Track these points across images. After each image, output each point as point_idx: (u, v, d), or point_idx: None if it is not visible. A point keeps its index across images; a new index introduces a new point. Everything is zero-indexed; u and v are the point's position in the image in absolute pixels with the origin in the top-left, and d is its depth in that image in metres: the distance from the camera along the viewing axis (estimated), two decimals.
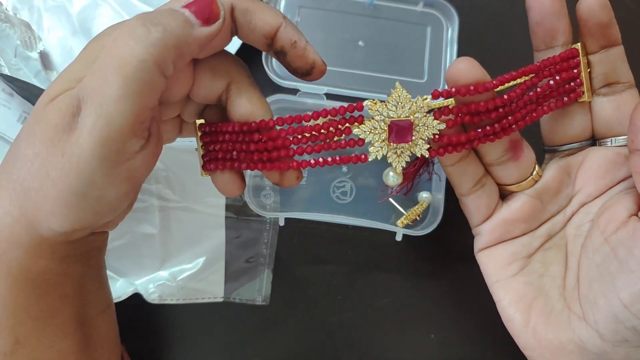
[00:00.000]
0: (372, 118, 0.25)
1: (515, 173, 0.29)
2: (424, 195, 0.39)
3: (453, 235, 0.40)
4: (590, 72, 0.28)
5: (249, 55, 0.37)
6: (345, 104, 0.24)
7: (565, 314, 0.27)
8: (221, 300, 0.40)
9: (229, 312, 0.41)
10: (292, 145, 0.25)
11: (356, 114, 0.25)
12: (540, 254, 0.29)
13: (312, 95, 0.40)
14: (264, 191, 0.40)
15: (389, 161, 0.25)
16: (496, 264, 0.29)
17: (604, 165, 0.28)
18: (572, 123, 0.28)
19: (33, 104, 0.38)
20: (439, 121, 0.25)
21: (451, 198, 0.38)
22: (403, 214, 0.38)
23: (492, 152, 0.28)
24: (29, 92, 0.37)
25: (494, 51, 0.46)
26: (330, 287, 0.41)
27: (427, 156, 0.25)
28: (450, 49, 0.41)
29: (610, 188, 0.28)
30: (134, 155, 0.22)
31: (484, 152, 0.28)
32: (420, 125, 0.25)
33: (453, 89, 0.25)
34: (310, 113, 0.24)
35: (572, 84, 0.27)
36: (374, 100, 0.25)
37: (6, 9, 0.39)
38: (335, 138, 0.25)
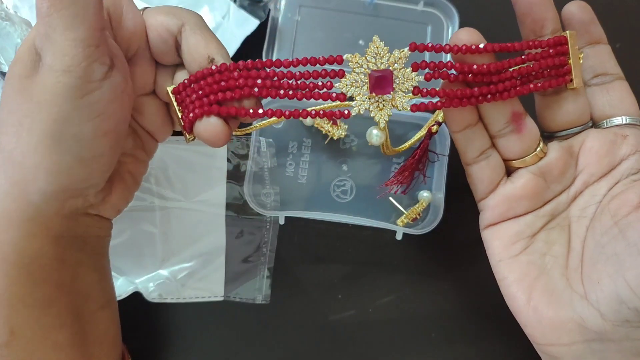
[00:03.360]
0: (353, 71, 0.25)
1: (518, 147, 0.29)
2: (424, 194, 0.39)
3: (453, 234, 0.40)
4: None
5: (249, 53, 0.37)
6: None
7: (567, 293, 0.27)
8: (221, 299, 0.40)
9: (229, 311, 0.41)
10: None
11: (337, 67, 0.25)
12: (543, 233, 0.29)
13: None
14: (264, 190, 0.40)
15: (371, 115, 0.25)
16: (500, 243, 0.30)
17: (604, 145, 0.28)
18: (567, 109, 0.29)
19: None
20: (416, 73, 0.25)
21: (451, 197, 0.38)
22: (403, 213, 0.39)
23: (495, 121, 0.28)
24: None
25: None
26: (330, 286, 0.41)
27: (407, 109, 0.25)
28: None
29: (614, 168, 0.28)
30: (100, 84, 0.23)
31: (488, 121, 0.29)
32: (399, 77, 0.25)
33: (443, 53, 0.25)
34: (290, 60, 0.25)
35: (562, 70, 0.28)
36: (353, 54, 0.25)
37: (7, 7, 0.39)
38: (316, 90, 0.25)
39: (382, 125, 0.26)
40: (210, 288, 0.40)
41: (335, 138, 0.40)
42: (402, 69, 0.25)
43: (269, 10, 0.40)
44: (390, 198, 0.39)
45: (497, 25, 0.46)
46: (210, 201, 0.40)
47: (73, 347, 0.27)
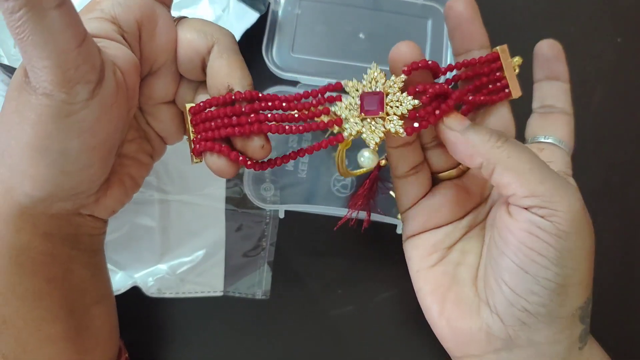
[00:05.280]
0: (350, 95, 0.25)
1: (443, 161, 0.30)
2: None
3: None
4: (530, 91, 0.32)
5: (249, 46, 0.37)
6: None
7: (475, 302, 0.28)
8: (220, 294, 0.40)
9: (228, 306, 0.40)
10: (271, 122, 0.25)
11: (335, 94, 0.25)
12: (461, 243, 0.30)
13: (312, 87, 0.40)
14: (264, 184, 0.40)
15: (362, 137, 0.25)
16: (418, 254, 0.30)
17: None
18: (489, 124, 0.31)
19: None
20: (412, 97, 0.25)
21: None
22: None
23: (425, 134, 0.30)
24: None
25: (495, 44, 0.46)
26: (330, 281, 0.41)
27: (401, 133, 0.25)
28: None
29: None
30: (86, 104, 0.22)
31: (422, 132, 0.30)
32: (394, 101, 0.25)
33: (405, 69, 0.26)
34: (294, 94, 0.26)
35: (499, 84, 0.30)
36: (353, 81, 0.25)
37: None
38: (316, 119, 0.25)
39: (371, 146, 0.26)
40: (209, 283, 0.40)
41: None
42: (398, 93, 0.25)
43: (269, 3, 0.40)
44: (391, 192, 0.39)
45: (498, 18, 0.46)
46: (210, 195, 0.40)
47: (66, 340, 0.27)
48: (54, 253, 0.26)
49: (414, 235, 0.30)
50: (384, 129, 0.25)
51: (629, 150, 0.45)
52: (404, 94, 0.25)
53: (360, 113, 0.25)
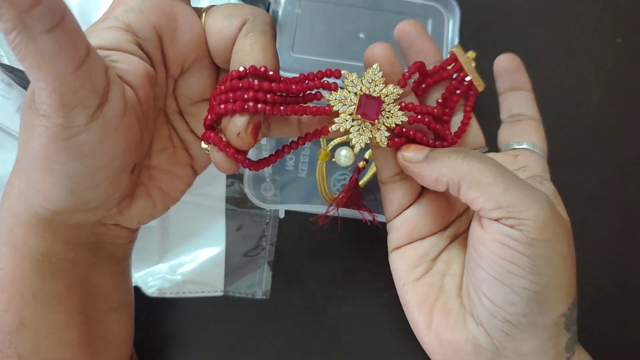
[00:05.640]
0: (346, 88, 0.25)
1: None
2: None
3: None
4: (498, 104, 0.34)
5: None
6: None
7: (461, 313, 0.27)
8: (221, 294, 0.40)
9: (229, 306, 0.40)
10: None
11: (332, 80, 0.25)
12: (445, 253, 0.30)
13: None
14: (264, 184, 0.40)
15: (349, 137, 0.25)
16: (404, 266, 0.29)
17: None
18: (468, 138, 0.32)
19: None
20: (403, 113, 0.25)
21: None
22: None
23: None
24: (28, 83, 0.37)
25: (495, 44, 0.46)
26: (330, 281, 0.41)
27: (384, 145, 0.25)
28: (452, 42, 0.41)
29: None
30: (85, 128, 0.21)
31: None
32: (386, 111, 0.25)
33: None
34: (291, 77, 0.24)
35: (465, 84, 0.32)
36: (352, 73, 0.25)
37: None
38: (307, 103, 0.25)
39: (356, 150, 0.25)
40: (209, 282, 0.40)
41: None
42: (392, 104, 0.25)
43: (269, 3, 0.40)
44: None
45: (498, 17, 0.46)
46: (210, 195, 0.40)
47: (80, 345, 0.27)
48: (75, 260, 0.26)
49: (399, 247, 0.30)
50: (370, 135, 0.25)
51: (629, 150, 0.45)
52: (397, 107, 0.25)
53: (357, 114, 0.25)
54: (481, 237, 0.25)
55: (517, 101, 0.33)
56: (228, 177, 0.40)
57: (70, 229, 0.25)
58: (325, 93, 0.25)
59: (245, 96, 0.23)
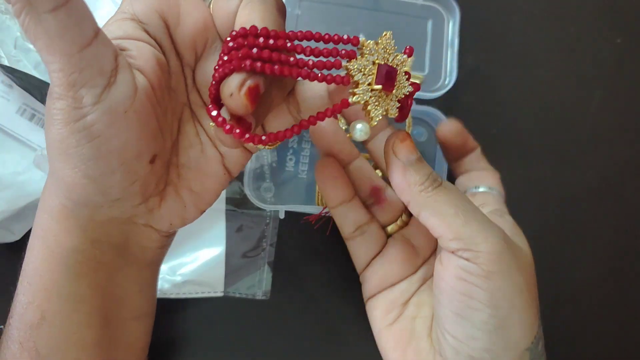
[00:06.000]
0: (364, 55, 0.22)
1: (384, 216, 0.32)
2: None
3: None
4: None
5: None
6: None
7: (431, 353, 0.28)
8: (221, 294, 0.40)
9: (229, 307, 0.40)
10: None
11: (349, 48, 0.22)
12: (416, 297, 0.30)
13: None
14: (264, 184, 0.40)
15: (368, 108, 0.23)
16: (379, 314, 0.30)
17: None
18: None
19: (33, 95, 0.37)
20: (409, 83, 0.24)
21: None
22: None
23: (361, 193, 0.32)
24: (28, 84, 0.37)
25: (495, 44, 0.46)
26: (330, 281, 0.41)
27: (394, 114, 0.24)
28: (452, 42, 0.41)
29: None
30: (92, 108, 0.21)
31: (358, 192, 0.32)
32: (399, 82, 0.23)
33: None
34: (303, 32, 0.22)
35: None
36: (368, 41, 0.23)
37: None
38: (333, 71, 0.22)
39: (374, 122, 0.23)
40: (209, 283, 0.40)
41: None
42: (401, 75, 0.23)
43: None
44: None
45: (498, 17, 0.46)
46: None
47: (97, 348, 0.27)
48: (102, 260, 0.26)
49: (373, 296, 0.31)
50: (385, 107, 0.23)
51: (629, 150, 0.45)
52: (405, 77, 0.24)
53: (377, 84, 0.23)
54: (440, 272, 0.26)
55: (471, 164, 0.35)
56: None
57: (99, 226, 0.25)
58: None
59: (240, 54, 0.20)
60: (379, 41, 0.23)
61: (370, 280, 0.31)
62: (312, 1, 0.41)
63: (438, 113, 0.39)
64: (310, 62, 0.21)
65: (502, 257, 0.24)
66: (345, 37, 0.22)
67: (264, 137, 0.22)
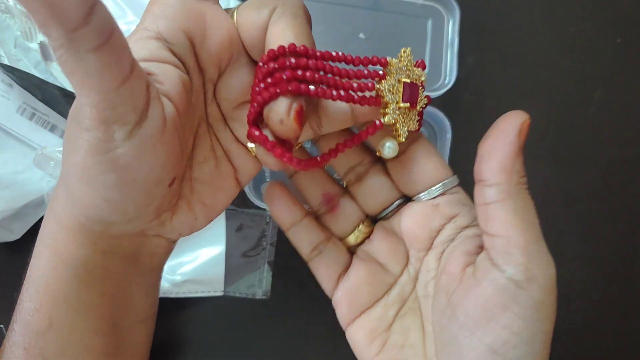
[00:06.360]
0: (391, 76, 0.23)
1: (339, 227, 0.29)
2: None
3: None
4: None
5: None
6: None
7: None
8: (221, 294, 0.40)
9: (229, 306, 0.40)
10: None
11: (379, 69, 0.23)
12: (398, 323, 0.27)
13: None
14: (265, 183, 0.40)
15: (396, 126, 0.24)
16: (361, 343, 0.28)
17: (418, 220, 0.27)
18: (378, 192, 0.29)
19: (33, 94, 0.38)
20: (425, 95, 0.24)
21: None
22: None
23: (312, 200, 0.29)
24: (28, 83, 0.37)
25: (495, 44, 0.46)
26: None
27: (415, 128, 0.24)
28: (452, 42, 0.41)
29: (433, 240, 0.27)
30: (122, 144, 0.21)
31: (308, 199, 0.30)
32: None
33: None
34: (338, 54, 0.22)
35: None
36: (393, 59, 0.23)
37: (6, 0, 0.39)
38: (366, 92, 0.23)
39: (402, 139, 0.24)
40: (209, 283, 0.40)
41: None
42: (420, 88, 0.24)
43: None
44: None
45: (498, 17, 0.46)
46: None
47: (104, 355, 0.27)
48: (112, 269, 0.26)
49: (350, 324, 0.28)
50: (409, 122, 0.24)
51: (629, 150, 0.45)
52: (421, 89, 0.24)
53: (404, 102, 0.23)
54: (472, 292, 0.23)
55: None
56: None
57: (111, 239, 0.25)
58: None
59: (284, 76, 0.20)
60: (401, 58, 0.23)
61: (341, 304, 0.28)
62: (312, 0, 0.41)
63: (438, 112, 0.39)
64: (347, 84, 0.22)
65: (554, 291, 0.22)
66: (373, 58, 0.23)
67: (301, 162, 0.22)
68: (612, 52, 0.46)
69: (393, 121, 0.23)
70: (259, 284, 0.40)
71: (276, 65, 0.21)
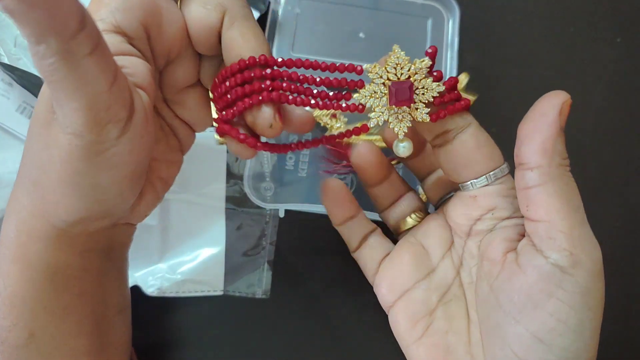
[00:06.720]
0: (372, 81, 0.24)
1: (394, 213, 0.31)
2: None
3: None
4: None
5: None
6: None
7: None
8: (221, 293, 0.40)
9: (229, 306, 0.40)
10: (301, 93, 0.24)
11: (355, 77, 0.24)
12: (442, 309, 0.27)
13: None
14: (264, 183, 0.40)
15: (390, 127, 0.24)
16: (403, 326, 0.27)
17: (459, 209, 0.27)
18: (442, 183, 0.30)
19: (33, 93, 0.38)
20: (438, 83, 0.24)
21: None
22: None
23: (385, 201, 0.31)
24: (28, 82, 0.37)
25: (495, 43, 0.46)
26: (330, 281, 0.41)
27: (427, 121, 0.24)
28: (452, 42, 0.41)
29: (472, 228, 0.27)
30: (116, 142, 0.21)
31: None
32: (420, 87, 0.24)
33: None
34: (308, 63, 0.24)
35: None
36: (373, 64, 0.24)
37: None
38: (342, 102, 0.24)
39: (401, 136, 0.24)
40: (209, 282, 0.40)
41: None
42: (423, 79, 0.24)
43: (269, 2, 0.40)
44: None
45: (498, 17, 0.46)
46: (210, 194, 0.40)
47: (90, 354, 0.27)
48: (88, 267, 0.26)
49: (392, 306, 0.28)
50: (411, 118, 0.24)
51: (629, 150, 0.45)
52: (429, 80, 0.24)
53: (390, 105, 0.24)
54: (515, 279, 0.22)
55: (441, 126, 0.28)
56: (229, 177, 0.40)
57: (88, 238, 0.25)
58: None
59: (263, 85, 0.23)
60: (388, 60, 0.24)
61: (381, 285, 0.28)
62: (312, 0, 0.41)
63: None
64: (323, 94, 0.24)
65: (601, 276, 0.21)
66: (347, 64, 0.24)
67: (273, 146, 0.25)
68: (612, 52, 0.46)
69: (381, 123, 0.24)
70: (258, 283, 0.40)
71: (252, 74, 0.23)
